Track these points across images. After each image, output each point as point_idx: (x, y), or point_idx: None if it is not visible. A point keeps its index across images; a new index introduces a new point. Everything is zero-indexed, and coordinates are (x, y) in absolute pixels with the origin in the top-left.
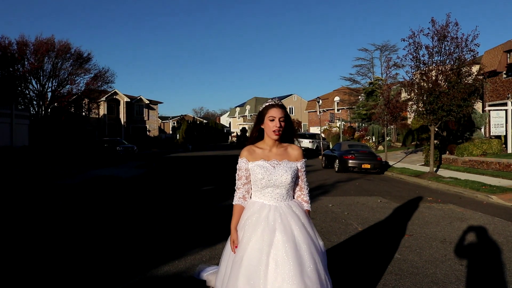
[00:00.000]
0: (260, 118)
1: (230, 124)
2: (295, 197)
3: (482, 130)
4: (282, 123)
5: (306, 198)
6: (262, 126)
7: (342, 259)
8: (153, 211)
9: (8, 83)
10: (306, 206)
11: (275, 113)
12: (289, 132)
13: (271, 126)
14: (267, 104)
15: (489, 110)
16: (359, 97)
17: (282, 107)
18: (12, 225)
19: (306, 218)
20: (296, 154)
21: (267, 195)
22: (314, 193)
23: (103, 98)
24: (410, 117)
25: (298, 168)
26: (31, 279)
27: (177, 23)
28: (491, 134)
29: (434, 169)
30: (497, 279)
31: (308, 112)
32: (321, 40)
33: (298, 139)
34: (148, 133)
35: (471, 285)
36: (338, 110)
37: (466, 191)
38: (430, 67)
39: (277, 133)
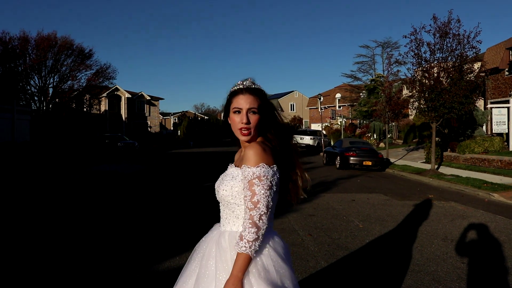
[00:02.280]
0: (226, 109)
1: None
2: None
3: (484, 127)
4: (253, 117)
5: (245, 231)
6: (230, 121)
7: (343, 256)
8: (154, 207)
9: (10, 78)
10: (237, 245)
11: (241, 102)
12: (269, 125)
13: (236, 121)
14: (233, 89)
15: (491, 108)
16: (361, 94)
17: (254, 92)
18: (15, 220)
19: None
20: (245, 154)
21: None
22: (315, 190)
23: (104, 94)
24: (412, 114)
25: (242, 178)
26: (35, 274)
27: (178, 19)
28: (493, 131)
29: (436, 166)
30: (498, 277)
31: (309, 108)
32: (322, 36)
33: (293, 137)
34: (149, 129)
35: (473, 283)
36: (339, 107)
37: (468, 188)
38: (432, 64)
39: (244, 132)
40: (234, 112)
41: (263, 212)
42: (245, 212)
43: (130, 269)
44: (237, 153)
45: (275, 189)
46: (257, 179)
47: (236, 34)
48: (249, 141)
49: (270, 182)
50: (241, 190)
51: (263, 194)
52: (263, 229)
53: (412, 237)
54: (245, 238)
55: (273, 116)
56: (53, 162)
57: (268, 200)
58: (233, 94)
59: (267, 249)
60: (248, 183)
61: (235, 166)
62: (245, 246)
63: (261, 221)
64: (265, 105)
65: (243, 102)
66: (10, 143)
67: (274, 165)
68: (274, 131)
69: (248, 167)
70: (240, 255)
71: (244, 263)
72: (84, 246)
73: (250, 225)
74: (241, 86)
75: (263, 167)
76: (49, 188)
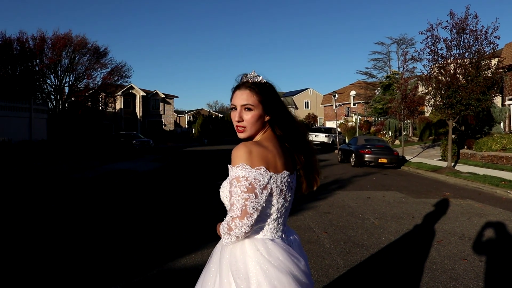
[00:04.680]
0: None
1: None
2: None
3: (502, 124)
4: (248, 114)
5: (223, 225)
6: None
7: (359, 253)
8: (169, 204)
9: (27, 78)
10: (222, 226)
11: (236, 98)
12: (276, 121)
13: (232, 119)
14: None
15: (509, 105)
16: (376, 91)
17: (252, 87)
18: (35, 218)
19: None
20: (232, 155)
21: None
22: (331, 188)
23: (120, 93)
24: (428, 111)
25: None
26: (60, 268)
27: (192, 17)
28: None
29: (452, 164)
30: None
31: (324, 106)
32: (337, 33)
33: (308, 136)
34: (164, 127)
35: (491, 282)
36: (354, 104)
37: (485, 186)
38: (448, 61)
39: (239, 129)
40: (232, 109)
41: (235, 216)
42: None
43: (147, 266)
44: None
45: (260, 192)
46: (235, 180)
47: (250, 31)
48: (249, 138)
49: (250, 184)
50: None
51: (238, 196)
52: (235, 233)
53: (428, 235)
54: (223, 225)
55: (280, 113)
56: (70, 160)
57: (244, 204)
58: (233, 90)
59: (257, 260)
60: (229, 184)
61: None
62: (221, 230)
63: (233, 223)
64: (270, 100)
65: (237, 98)
66: (28, 141)
67: (262, 167)
68: (281, 128)
69: (230, 167)
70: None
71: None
72: (100, 243)
73: (227, 225)
74: (238, 81)
75: (243, 168)
76: (65, 186)
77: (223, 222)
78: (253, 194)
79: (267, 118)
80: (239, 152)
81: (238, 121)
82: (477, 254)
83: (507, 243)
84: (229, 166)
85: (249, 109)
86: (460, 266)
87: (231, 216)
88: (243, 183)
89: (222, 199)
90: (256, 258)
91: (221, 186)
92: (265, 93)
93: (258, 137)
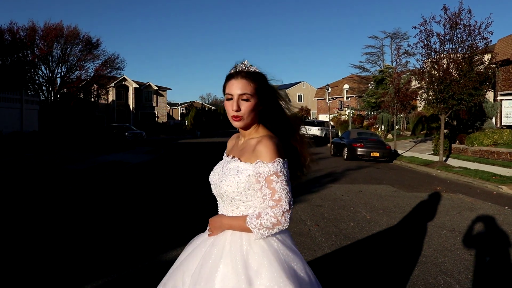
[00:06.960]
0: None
1: None
2: None
3: (493, 120)
4: (245, 104)
5: (265, 217)
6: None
7: (350, 246)
8: (161, 197)
9: (18, 68)
10: (250, 218)
11: (232, 88)
12: (270, 112)
13: (228, 109)
14: (228, 73)
15: (501, 100)
16: (369, 85)
17: (248, 76)
18: (27, 209)
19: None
20: (257, 150)
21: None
22: (323, 181)
23: (112, 84)
24: (420, 106)
25: (251, 174)
26: (52, 260)
27: (186, 10)
28: (503, 124)
29: (444, 158)
30: (506, 269)
31: (317, 99)
32: (330, 27)
33: (302, 128)
34: (156, 119)
35: (480, 275)
36: (347, 98)
37: (476, 181)
38: (442, 55)
39: (236, 119)
40: (227, 99)
41: (285, 210)
42: (267, 209)
43: (138, 258)
44: (231, 140)
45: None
46: (274, 176)
47: (244, 25)
48: (245, 128)
49: (286, 176)
50: (248, 186)
51: (283, 190)
52: (283, 226)
53: (419, 228)
54: (261, 220)
55: (274, 102)
56: (62, 152)
57: (289, 197)
58: (227, 79)
59: (275, 242)
60: (265, 181)
61: (232, 157)
62: (255, 226)
63: (283, 218)
64: (264, 90)
65: (234, 88)
66: (19, 133)
67: (286, 159)
68: (275, 119)
69: (264, 163)
70: (243, 223)
71: (239, 228)
72: (91, 235)
73: (275, 220)
74: (233, 71)
75: (279, 163)
76: (57, 178)
77: (260, 217)
78: (290, 185)
79: (260, 108)
80: (272, 146)
81: (236, 111)
82: (467, 247)
83: (497, 237)
84: (258, 161)
85: (247, 99)
86: (450, 260)
87: (281, 211)
88: (283, 177)
89: (226, 193)
90: (276, 245)
91: (229, 180)
92: (260, 83)
93: (252, 129)
